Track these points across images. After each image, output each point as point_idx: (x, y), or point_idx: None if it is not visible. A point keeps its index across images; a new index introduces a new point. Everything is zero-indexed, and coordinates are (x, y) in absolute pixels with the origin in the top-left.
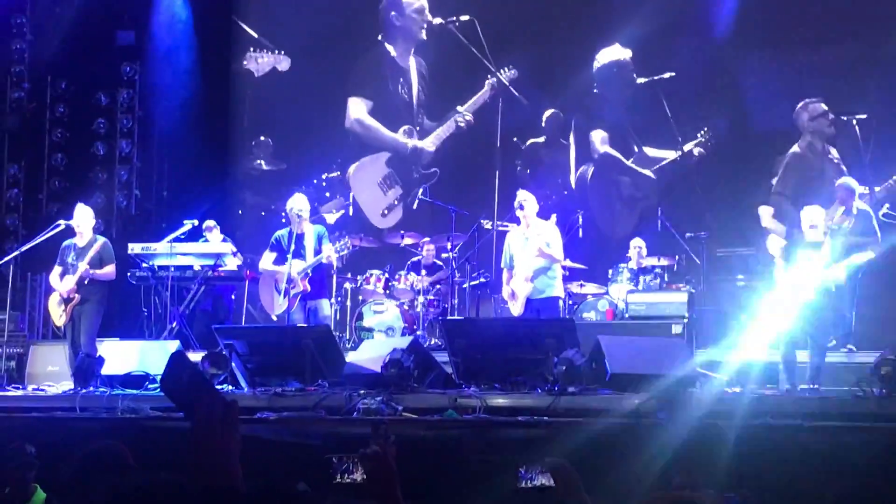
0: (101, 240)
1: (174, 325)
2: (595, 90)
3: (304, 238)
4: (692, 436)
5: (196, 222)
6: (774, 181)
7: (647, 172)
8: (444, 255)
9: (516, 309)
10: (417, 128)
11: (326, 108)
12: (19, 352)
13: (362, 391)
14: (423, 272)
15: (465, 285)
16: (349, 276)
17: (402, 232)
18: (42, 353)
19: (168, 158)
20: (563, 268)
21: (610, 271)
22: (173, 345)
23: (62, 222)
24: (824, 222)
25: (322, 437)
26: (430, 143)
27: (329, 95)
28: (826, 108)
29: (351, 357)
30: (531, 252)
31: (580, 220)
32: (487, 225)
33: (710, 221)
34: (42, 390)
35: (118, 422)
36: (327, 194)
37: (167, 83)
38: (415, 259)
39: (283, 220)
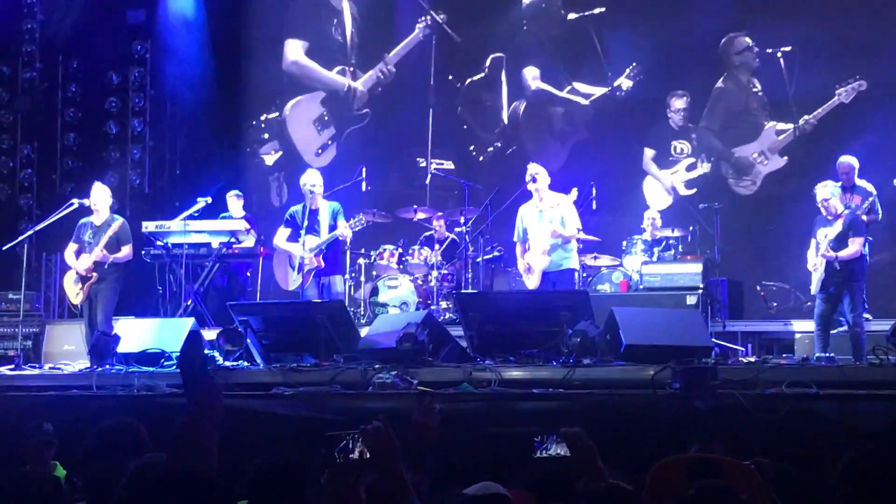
0: (119, 221)
1: (189, 302)
2: (525, 27)
3: (319, 214)
4: (708, 405)
5: (210, 200)
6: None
7: (580, 99)
8: (457, 230)
9: (532, 282)
10: (351, 68)
11: (263, 49)
12: (35, 331)
13: (377, 366)
14: (437, 247)
15: (478, 259)
16: (363, 251)
17: (415, 206)
18: (58, 332)
19: (180, 136)
20: (578, 240)
21: (624, 243)
22: (188, 322)
23: (76, 201)
24: (838, 198)
25: (338, 412)
26: (361, 84)
27: (265, 36)
28: (751, 41)
29: (365, 332)
30: (546, 226)
31: (594, 191)
32: (422, 163)
33: None
34: (59, 369)
35: (134, 399)
36: (265, 136)
37: (178, 61)
38: (427, 234)
39: None
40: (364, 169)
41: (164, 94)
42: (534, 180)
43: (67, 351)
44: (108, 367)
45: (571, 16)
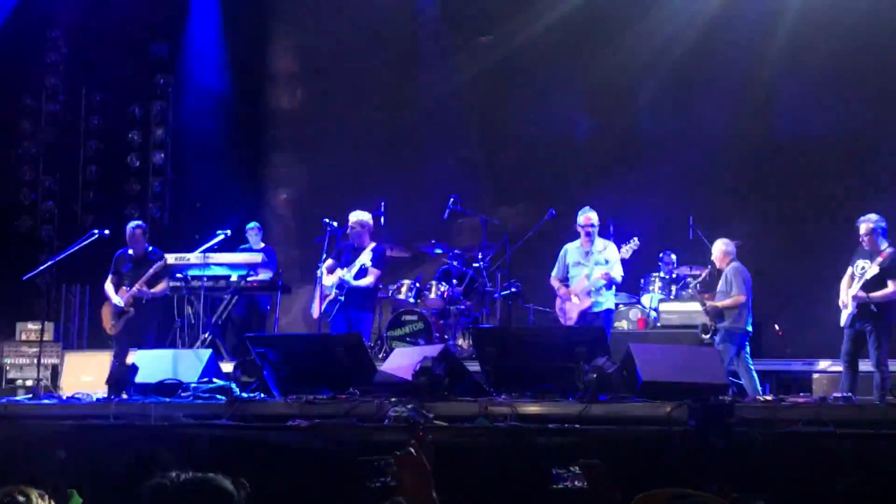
0: (162, 259)
1: (206, 335)
2: None
3: (361, 253)
4: (725, 443)
5: (229, 233)
6: None
7: None
8: (475, 265)
9: (570, 320)
10: None
11: (285, 83)
12: (54, 361)
13: (393, 399)
14: (455, 281)
15: (496, 295)
16: (380, 286)
17: (433, 241)
18: (76, 362)
19: (201, 169)
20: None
21: (642, 280)
22: (205, 354)
23: (96, 232)
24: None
25: (353, 444)
26: None
27: (288, 70)
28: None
29: (382, 365)
30: (593, 268)
31: (611, 228)
32: None
33: None
34: (77, 399)
35: (151, 429)
36: None
37: (200, 94)
38: (444, 266)
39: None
40: (383, 203)
41: (185, 127)
42: (592, 226)
43: (86, 381)
44: (125, 397)
45: None
